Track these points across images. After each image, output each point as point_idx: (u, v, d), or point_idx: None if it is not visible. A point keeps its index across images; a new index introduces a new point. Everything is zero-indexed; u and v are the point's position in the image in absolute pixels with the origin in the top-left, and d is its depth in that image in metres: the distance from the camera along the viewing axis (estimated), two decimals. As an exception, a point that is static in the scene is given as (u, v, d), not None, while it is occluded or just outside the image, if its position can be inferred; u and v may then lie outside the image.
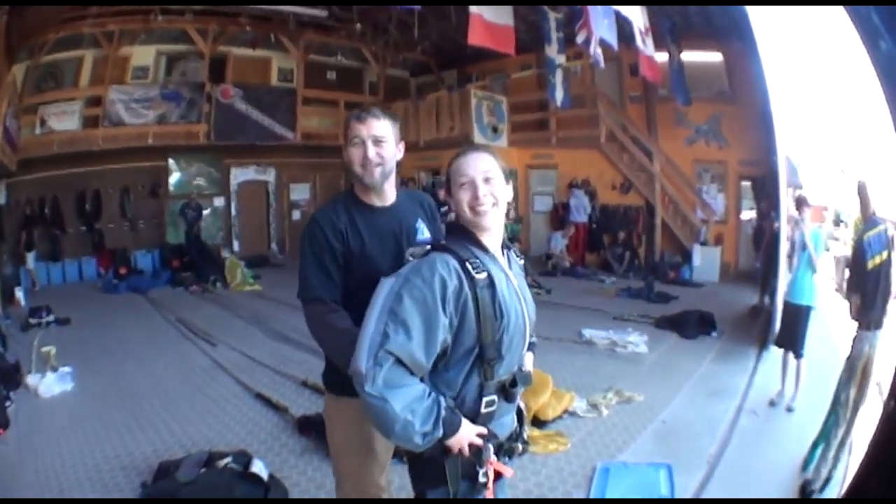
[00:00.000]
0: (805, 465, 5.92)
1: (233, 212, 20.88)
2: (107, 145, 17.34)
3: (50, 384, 8.14)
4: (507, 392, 2.68)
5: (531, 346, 3.04)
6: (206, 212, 19.02)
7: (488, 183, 2.67)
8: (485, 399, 2.62)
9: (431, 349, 2.46)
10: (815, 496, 5.47)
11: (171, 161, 19.42)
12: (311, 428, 6.56)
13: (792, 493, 5.66)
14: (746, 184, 16.90)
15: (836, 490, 5.36)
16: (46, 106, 16.96)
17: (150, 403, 7.71)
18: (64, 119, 17.01)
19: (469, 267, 2.54)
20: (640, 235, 17.82)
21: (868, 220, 6.35)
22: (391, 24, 19.18)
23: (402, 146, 3.42)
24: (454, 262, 2.54)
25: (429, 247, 2.72)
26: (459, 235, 2.73)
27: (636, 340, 9.95)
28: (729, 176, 17.11)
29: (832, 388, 6.26)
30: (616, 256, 17.50)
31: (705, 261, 16.14)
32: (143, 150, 18.20)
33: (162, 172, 19.35)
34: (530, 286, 3.07)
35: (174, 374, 9.00)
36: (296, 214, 22.32)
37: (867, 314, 6.10)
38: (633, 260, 17.40)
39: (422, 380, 2.53)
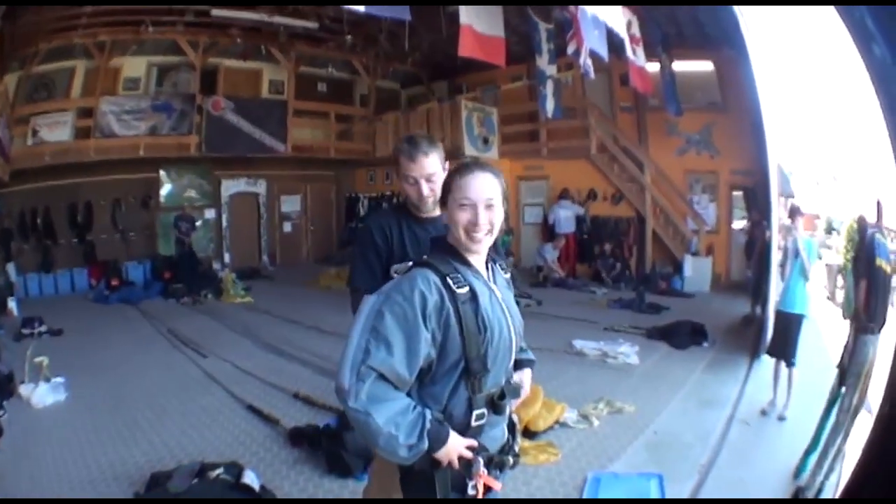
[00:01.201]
0: (797, 473, 5.95)
1: (224, 224, 20.86)
2: (98, 156, 17.28)
3: (43, 394, 8.12)
4: (495, 405, 2.70)
5: (530, 363, 3.12)
6: (198, 223, 18.97)
7: (489, 210, 2.70)
8: (474, 412, 2.65)
9: (413, 364, 2.50)
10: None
11: (162, 173, 19.38)
12: (302, 439, 6.57)
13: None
14: (738, 193, 16.94)
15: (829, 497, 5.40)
16: (38, 116, 16.92)
17: (142, 414, 7.69)
18: (56, 130, 16.96)
19: (450, 282, 2.58)
20: (631, 246, 17.83)
21: (878, 226, 6.35)
22: (381, 35, 19.18)
23: (447, 165, 3.62)
24: (435, 278, 2.58)
25: (411, 263, 2.74)
26: (442, 251, 2.76)
27: (627, 351, 9.96)
28: (720, 186, 17.15)
29: (824, 396, 6.29)
30: (605, 267, 17.53)
31: (696, 271, 16.16)
32: (135, 162, 18.13)
33: (153, 184, 19.34)
34: (521, 297, 3.11)
35: (165, 384, 8.96)
36: (287, 227, 22.45)
37: (872, 317, 6.07)
38: (624, 271, 17.42)
39: (408, 394, 2.55)
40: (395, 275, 2.79)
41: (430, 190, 3.54)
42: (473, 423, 2.65)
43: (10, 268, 16.13)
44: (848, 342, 6.16)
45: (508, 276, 3.06)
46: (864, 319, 6.02)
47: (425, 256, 2.75)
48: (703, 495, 5.70)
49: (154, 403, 8.10)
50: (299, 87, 21.10)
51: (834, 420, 5.84)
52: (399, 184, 3.67)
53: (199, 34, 18.73)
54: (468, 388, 2.63)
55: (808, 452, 5.98)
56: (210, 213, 20.45)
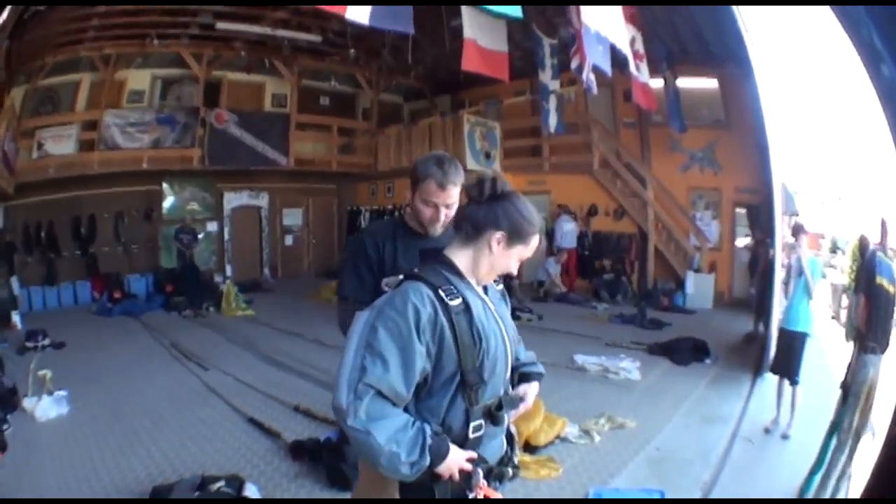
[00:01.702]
0: (801, 492, 5.92)
1: (226, 237, 20.86)
2: (102, 169, 17.31)
3: (46, 408, 8.13)
4: (493, 416, 2.70)
5: (538, 377, 3.08)
6: (200, 236, 18.96)
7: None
8: (472, 424, 2.64)
9: (410, 379, 2.48)
10: None
11: (164, 185, 19.35)
12: (303, 453, 6.60)
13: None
14: (741, 211, 16.92)
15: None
16: (43, 130, 16.91)
17: (143, 427, 7.71)
18: (60, 143, 16.96)
19: (442, 294, 2.57)
20: (633, 262, 17.82)
21: (882, 246, 6.28)
22: (385, 49, 19.19)
23: None
24: (427, 290, 2.56)
25: (402, 277, 2.73)
26: (433, 263, 2.75)
27: (629, 367, 9.97)
28: (724, 203, 17.09)
29: (828, 415, 6.26)
30: (604, 283, 17.55)
31: (699, 288, 16.12)
32: (138, 174, 18.17)
33: (156, 197, 19.31)
34: (522, 311, 3.09)
35: (167, 397, 8.98)
36: (288, 240, 22.45)
37: (873, 337, 6.01)
38: (628, 286, 17.41)
39: (406, 410, 2.55)
40: (387, 288, 2.73)
41: (446, 216, 3.54)
42: (472, 435, 2.64)
43: (14, 281, 16.07)
44: (851, 361, 6.12)
45: (501, 287, 3.06)
46: (866, 339, 5.97)
47: (416, 269, 2.74)
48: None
49: (155, 416, 8.13)
50: (302, 101, 21.09)
51: (837, 440, 5.81)
52: (412, 200, 3.60)
53: (204, 47, 18.80)
54: (465, 400, 2.62)
55: (812, 472, 5.95)
56: (212, 226, 20.41)
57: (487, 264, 2.73)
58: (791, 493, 5.98)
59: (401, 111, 24.43)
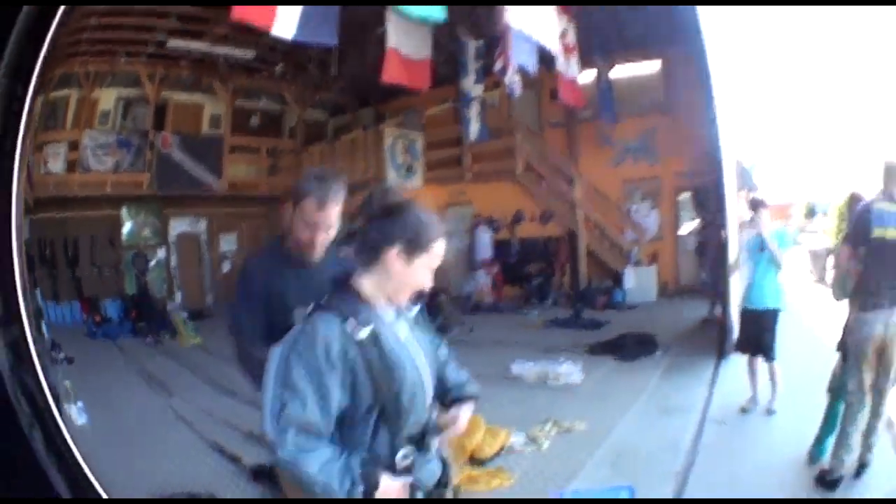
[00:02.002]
0: (813, 458, 5.95)
1: (173, 263, 20.51)
2: (79, 192, 17.29)
3: (75, 416, 8.21)
4: (419, 443, 2.67)
5: (471, 398, 3.03)
6: (151, 263, 18.75)
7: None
8: (400, 453, 2.59)
9: (327, 411, 2.43)
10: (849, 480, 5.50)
11: (123, 210, 19.12)
12: (263, 476, 6.54)
13: (803, 487, 5.68)
14: (685, 196, 16.85)
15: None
16: (48, 145, 16.94)
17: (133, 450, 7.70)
18: (56, 161, 17.10)
19: (352, 323, 2.47)
20: (564, 265, 17.76)
21: (886, 194, 5.99)
22: (310, 63, 19.02)
23: None
24: (336, 320, 2.47)
25: (312, 306, 2.61)
26: (342, 291, 2.64)
27: (568, 370, 9.71)
28: (663, 191, 17.06)
29: (814, 382, 6.29)
30: (534, 289, 17.50)
31: (640, 281, 16.06)
32: (106, 199, 18.15)
33: (117, 222, 19.13)
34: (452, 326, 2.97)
35: (141, 421, 9.20)
36: (226, 266, 21.95)
37: (877, 292, 5.76)
38: (559, 290, 17.44)
39: (333, 438, 2.49)
40: (298, 320, 2.65)
41: (326, 238, 3.38)
42: (400, 465, 2.58)
43: (38, 293, 15.87)
44: (848, 322, 5.93)
45: (417, 309, 2.92)
46: (869, 296, 5.74)
47: (325, 299, 2.62)
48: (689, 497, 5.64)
49: (132, 441, 8.17)
50: (235, 121, 20.71)
51: (845, 402, 5.71)
52: (291, 221, 3.41)
53: (157, 66, 18.46)
54: (388, 430, 2.57)
55: (821, 437, 5.94)
56: (161, 253, 20.13)
57: (393, 285, 2.61)
58: (792, 463, 6.00)
59: (326, 127, 24.12)
